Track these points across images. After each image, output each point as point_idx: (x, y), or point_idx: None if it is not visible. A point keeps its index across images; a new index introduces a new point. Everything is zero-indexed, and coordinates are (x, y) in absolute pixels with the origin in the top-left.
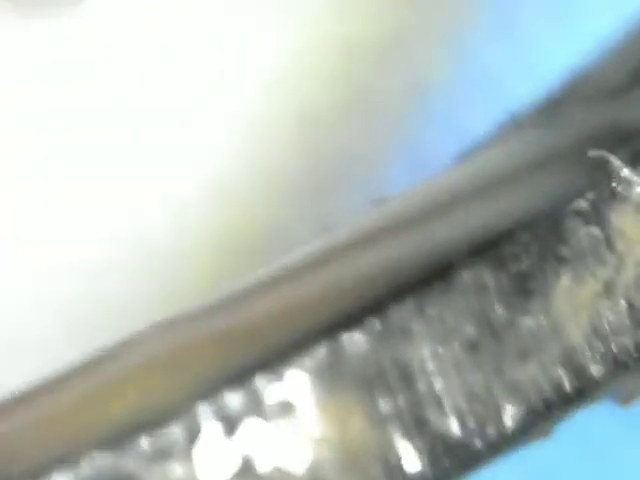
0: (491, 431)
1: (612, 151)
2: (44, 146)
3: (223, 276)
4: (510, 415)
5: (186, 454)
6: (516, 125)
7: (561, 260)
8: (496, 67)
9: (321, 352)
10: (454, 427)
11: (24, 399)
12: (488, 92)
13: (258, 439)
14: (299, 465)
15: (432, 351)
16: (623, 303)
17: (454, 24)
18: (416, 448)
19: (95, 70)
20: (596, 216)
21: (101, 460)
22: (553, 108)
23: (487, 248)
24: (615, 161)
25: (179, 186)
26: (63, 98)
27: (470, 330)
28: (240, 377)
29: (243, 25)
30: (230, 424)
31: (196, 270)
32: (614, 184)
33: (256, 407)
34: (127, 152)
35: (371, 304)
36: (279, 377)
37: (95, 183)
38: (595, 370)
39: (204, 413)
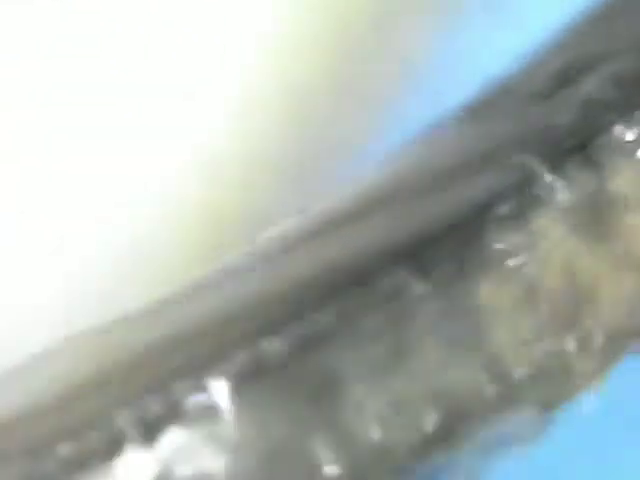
0: (412, 437)
1: (535, 155)
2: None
3: (206, 255)
4: (432, 421)
5: (106, 462)
6: (441, 125)
7: (483, 265)
8: (485, 49)
9: (242, 358)
10: (375, 433)
11: None
12: (479, 73)
13: (179, 446)
14: (220, 471)
15: (353, 358)
16: (545, 308)
17: (444, 6)
18: (337, 454)
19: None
20: (518, 221)
21: (19, 466)
22: (479, 108)
23: (408, 254)
24: (538, 166)
25: (163, 165)
26: (65, 72)
27: (392, 336)
28: (161, 385)
29: (235, 6)
30: (151, 432)
31: (178, 249)
32: (536, 189)
33: (177, 414)
34: (112, 140)
35: (292, 310)
36: (200, 384)
37: (76, 160)
38: (518, 375)
39: (125, 421)
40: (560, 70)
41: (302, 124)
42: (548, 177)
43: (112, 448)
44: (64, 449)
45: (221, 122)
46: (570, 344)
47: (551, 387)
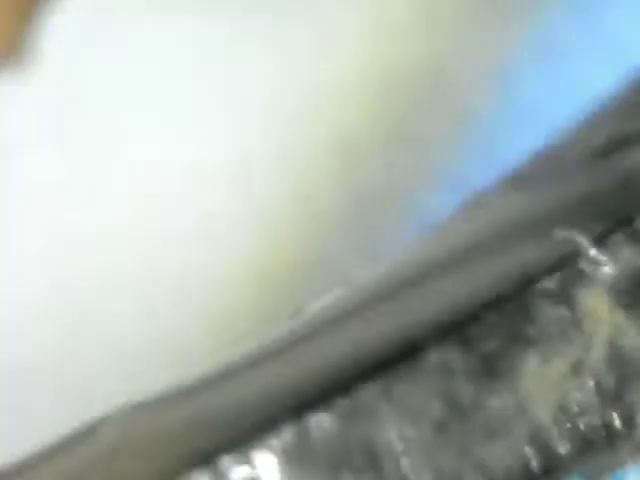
0: None
1: (580, 229)
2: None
3: (261, 308)
4: None
5: None
6: (487, 194)
7: (528, 340)
8: (539, 97)
9: (288, 433)
10: None
11: None
12: (531, 123)
13: None
14: None
15: (399, 431)
16: (591, 383)
17: (498, 53)
18: None
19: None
20: (564, 296)
21: None
22: (527, 177)
23: (454, 328)
24: (582, 240)
25: (217, 215)
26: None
27: (437, 410)
28: (207, 459)
29: (280, 50)
30: None
31: (235, 301)
32: (581, 263)
33: None
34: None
35: (338, 385)
36: (246, 459)
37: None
38: (563, 449)
39: None
40: (606, 141)
41: (357, 175)
42: (593, 252)
43: None
44: None
45: (273, 174)
46: (615, 419)
47: (597, 461)
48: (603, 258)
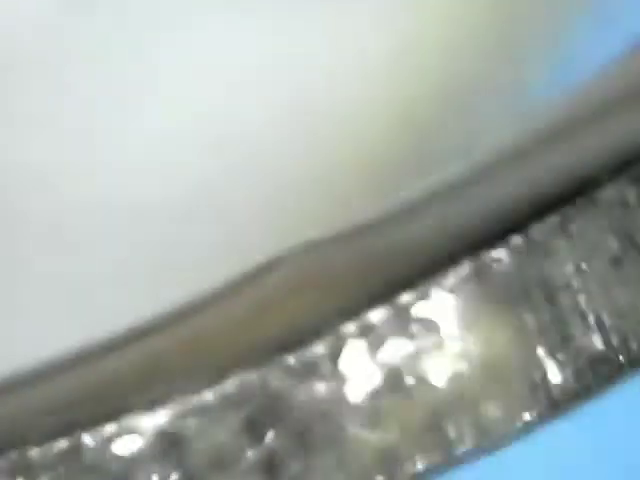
0: (634, 346)
1: None
2: None
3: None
4: None
5: (331, 370)
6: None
7: None
8: None
9: (465, 270)
10: (598, 342)
11: (171, 318)
12: None
13: (401, 355)
14: (442, 379)
15: (576, 267)
16: None
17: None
18: (560, 363)
19: None
20: None
21: (246, 378)
22: None
23: (630, 164)
24: None
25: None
26: None
27: (614, 246)
28: (385, 296)
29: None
30: (374, 341)
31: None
32: None
33: (400, 325)
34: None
35: (514, 222)
36: (423, 295)
37: None
38: None
39: (349, 331)
40: None
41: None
42: None
43: (337, 357)
44: (290, 359)
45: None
46: None
47: None
48: None
